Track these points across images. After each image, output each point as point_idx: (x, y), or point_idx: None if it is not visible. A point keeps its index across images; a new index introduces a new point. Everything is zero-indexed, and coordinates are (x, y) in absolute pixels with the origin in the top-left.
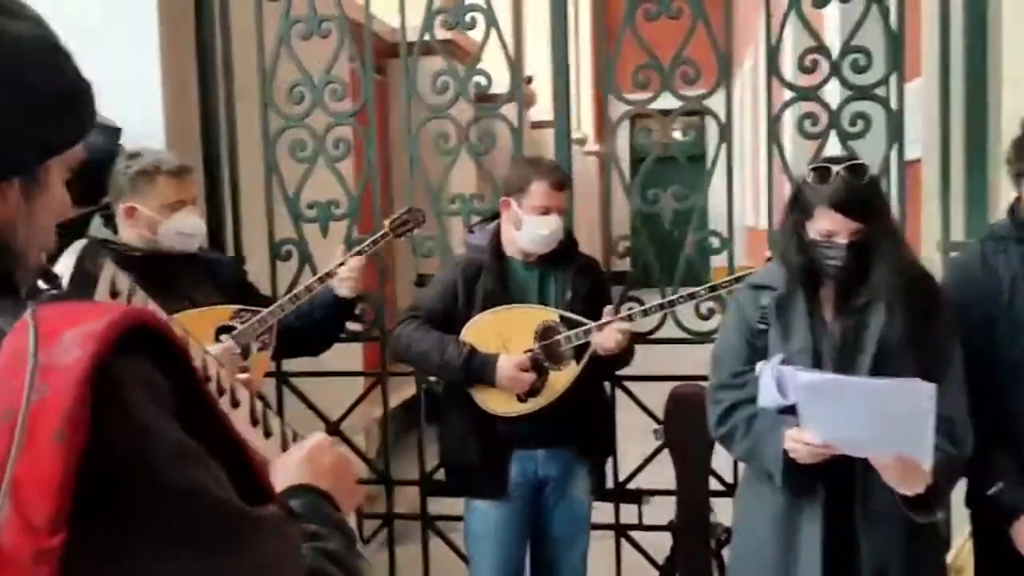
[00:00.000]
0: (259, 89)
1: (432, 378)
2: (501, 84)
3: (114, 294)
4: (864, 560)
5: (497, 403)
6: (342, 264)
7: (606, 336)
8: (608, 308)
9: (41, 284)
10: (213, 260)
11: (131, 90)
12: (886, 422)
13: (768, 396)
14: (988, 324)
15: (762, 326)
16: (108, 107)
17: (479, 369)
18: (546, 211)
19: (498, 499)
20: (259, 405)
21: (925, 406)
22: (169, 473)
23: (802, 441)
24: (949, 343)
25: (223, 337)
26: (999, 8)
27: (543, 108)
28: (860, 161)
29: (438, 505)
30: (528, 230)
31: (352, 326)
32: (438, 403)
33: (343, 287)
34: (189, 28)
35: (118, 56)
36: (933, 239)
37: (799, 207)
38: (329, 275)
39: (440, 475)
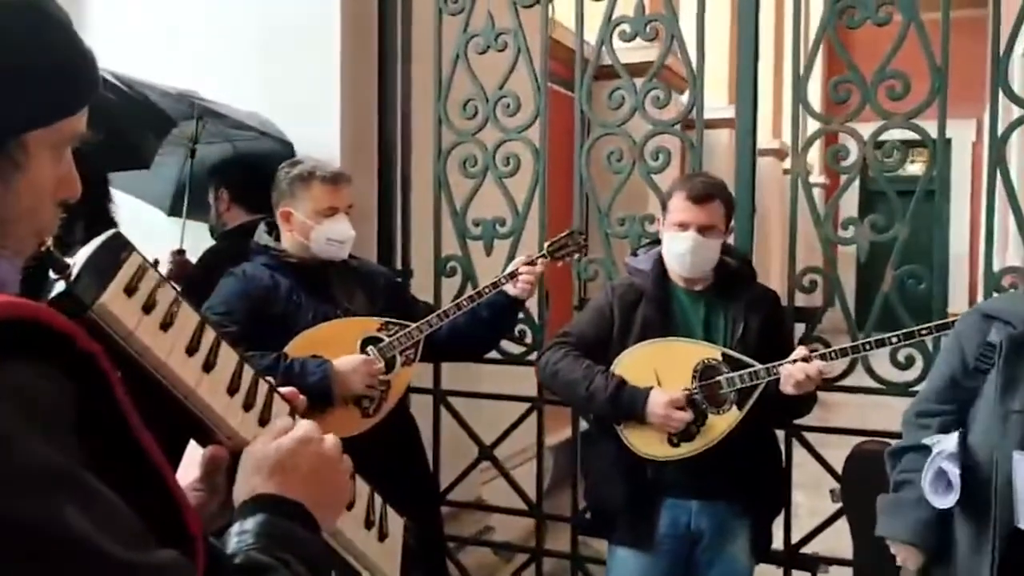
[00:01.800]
0: (433, 103)
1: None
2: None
3: (130, 291)
4: None
5: (646, 444)
6: (495, 284)
7: (797, 369)
8: (802, 349)
9: (51, 274)
10: (367, 270)
11: (311, 104)
12: None
13: (928, 490)
14: None
15: (983, 365)
16: (289, 121)
17: (628, 403)
18: (683, 226)
19: (643, 549)
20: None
21: None
22: (9, 499)
23: None
24: None
25: (369, 349)
26: None
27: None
28: None
29: (600, 547)
30: (667, 247)
31: (512, 348)
32: (589, 438)
33: (515, 286)
34: (371, 44)
35: (300, 71)
36: None
37: None
38: (479, 295)
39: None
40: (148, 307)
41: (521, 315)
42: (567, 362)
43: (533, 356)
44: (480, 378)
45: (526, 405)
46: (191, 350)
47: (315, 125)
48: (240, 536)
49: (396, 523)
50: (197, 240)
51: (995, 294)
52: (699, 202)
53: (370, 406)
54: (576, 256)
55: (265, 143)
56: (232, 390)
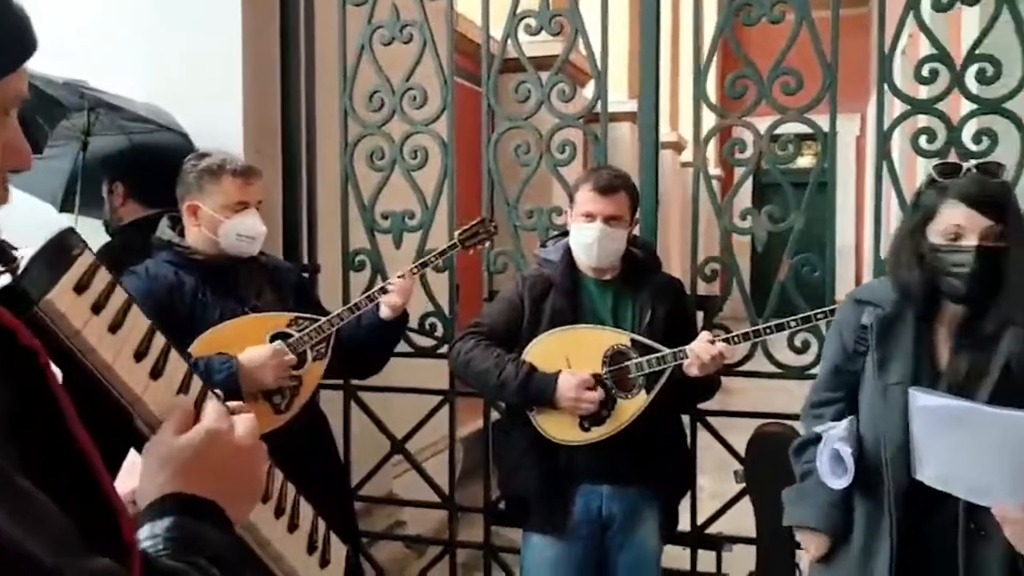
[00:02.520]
0: (339, 95)
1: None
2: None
3: (80, 289)
4: None
5: (558, 430)
6: (370, 297)
7: (702, 350)
8: (706, 334)
9: None
10: (275, 266)
11: (212, 93)
12: (1020, 462)
13: (824, 472)
14: None
15: (859, 347)
16: (187, 112)
17: (539, 388)
18: (590, 217)
19: (558, 534)
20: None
21: None
22: None
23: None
24: None
25: (278, 343)
26: None
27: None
28: (993, 160)
29: (513, 536)
30: (574, 238)
31: (422, 341)
32: (501, 427)
33: (385, 307)
34: (272, 33)
35: (200, 60)
36: None
37: (920, 208)
38: (384, 290)
39: (504, 504)
40: (97, 307)
41: (431, 308)
42: (478, 352)
43: (444, 349)
44: (390, 372)
45: (438, 398)
46: (139, 355)
47: (214, 117)
48: (149, 541)
49: (339, 550)
50: (90, 237)
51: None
52: (605, 193)
53: (282, 402)
54: (487, 243)
55: (163, 136)
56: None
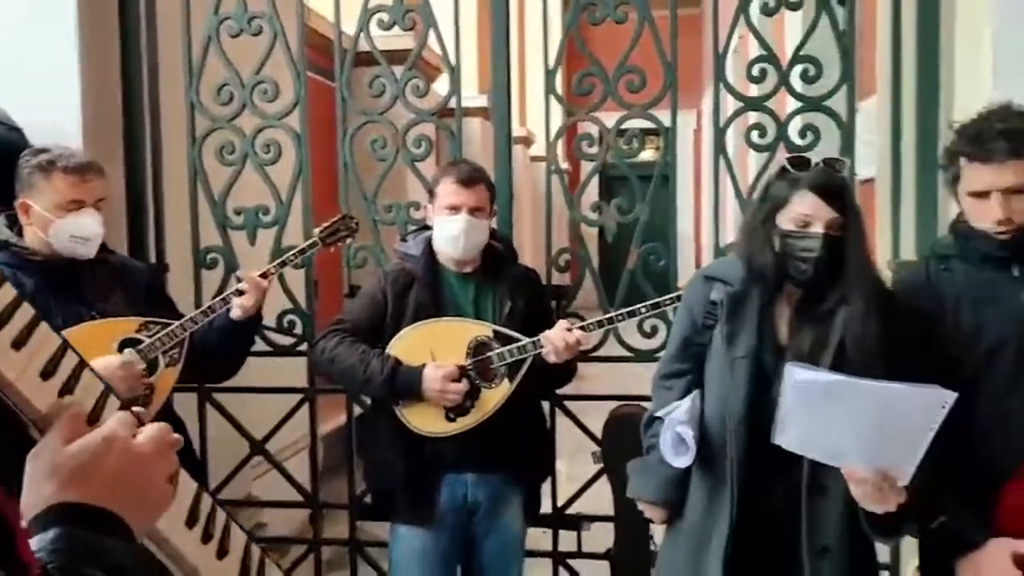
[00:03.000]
0: (185, 88)
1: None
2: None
3: None
4: None
5: (423, 422)
6: (225, 300)
7: (559, 338)
8: (563, 322)
9: None
10: (123, 266)
11: (47, 85)
12: (881, 431)
13: (666, 452)
14: (935, 341)
15: (708, 321)
16: (19, 104)
17: (404, 382)
18: (455, 209)
19: (424, 525)
20: None
21: (935, 416)
22: None
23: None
24: (914, 361)
25: (127, 351)
26: (951, 30)
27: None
28: (838, 158)
29: (378, 531)
30: (438, 231)
31: (281, 340)
32: (366, 422)
33: (236, 308)
34: (111, 21)
35: (34, 49)
36: (884, 258)
37: (771, 198)
38: (239, 292)
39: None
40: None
41: (289, 305)
42: (343, 348)
43: (304, 347)
44: (247, 372)
45: (297, 396)
46: (46, 374)
47: (50, 109)
48: (37, 554)
49: (238, 539)
50: None
51: None
52: (468, 185)
53: None
54: (348, 241)
55: None
56: (92, 420)
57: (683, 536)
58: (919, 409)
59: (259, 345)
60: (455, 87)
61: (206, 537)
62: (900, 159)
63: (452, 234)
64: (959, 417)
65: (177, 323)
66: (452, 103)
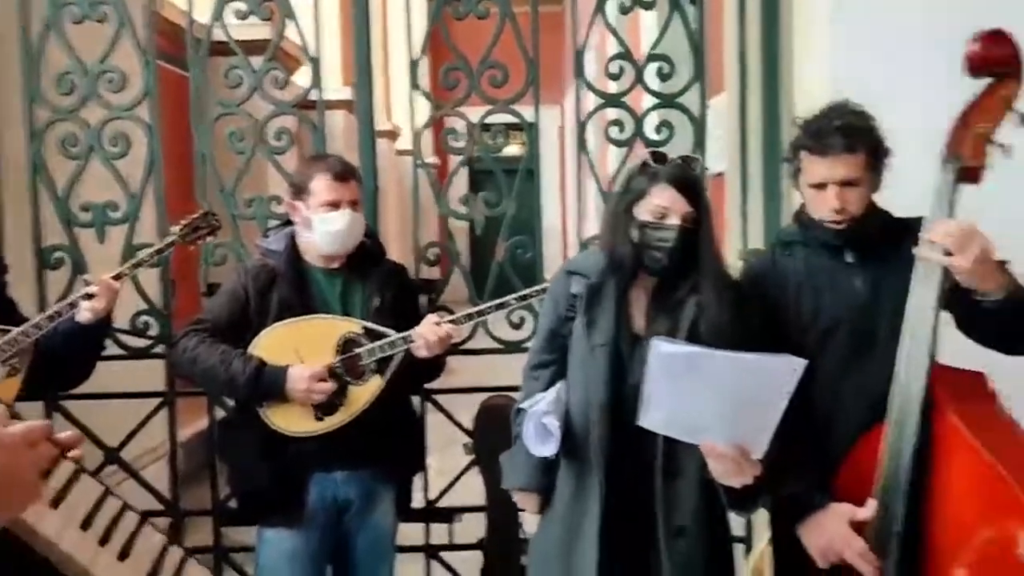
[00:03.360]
0: (23, 77)
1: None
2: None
3: None
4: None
5: (289, 422)
6: (72, 304)
7: (429, 332)
8: (433, 316)
9: None
10: None
11: None
12: (738, 402)
13: (530, 442)
14: (779, 325)
15: (570, 313)
16: None
17: (269, 383)
18: (334, 205)
19: (293, 527)
20: None
21: (785, 385)
22: None
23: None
24: (761, 345)
25: None
26: (791, 30)
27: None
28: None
29: (243, 536)
30: (319, 229)
31: (136, 342)
32: (229, 425)
33: (85, 311)
34: None
35: None
36: (735, 248)
37: (632, 190)
38: (77, 301)
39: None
40: None
41: (144, 306)
42: (203, 349)
43: (161, 348)
44: (99, 377)
45: (155, 401)
46: None
47: None
48: None
49: (151, 542)
50: None
51: None
52: (344, 180)
53: None
54: (209, 238)
55: None
56: None
57: (554, 524)
58: (772, 377)
59: (112, 348)
60: (316, 79)
61: (104, 540)
62: (747, 154)
63: (336, 229)
64: (800, 394)
65: (18, 330)
66: (314, 95)
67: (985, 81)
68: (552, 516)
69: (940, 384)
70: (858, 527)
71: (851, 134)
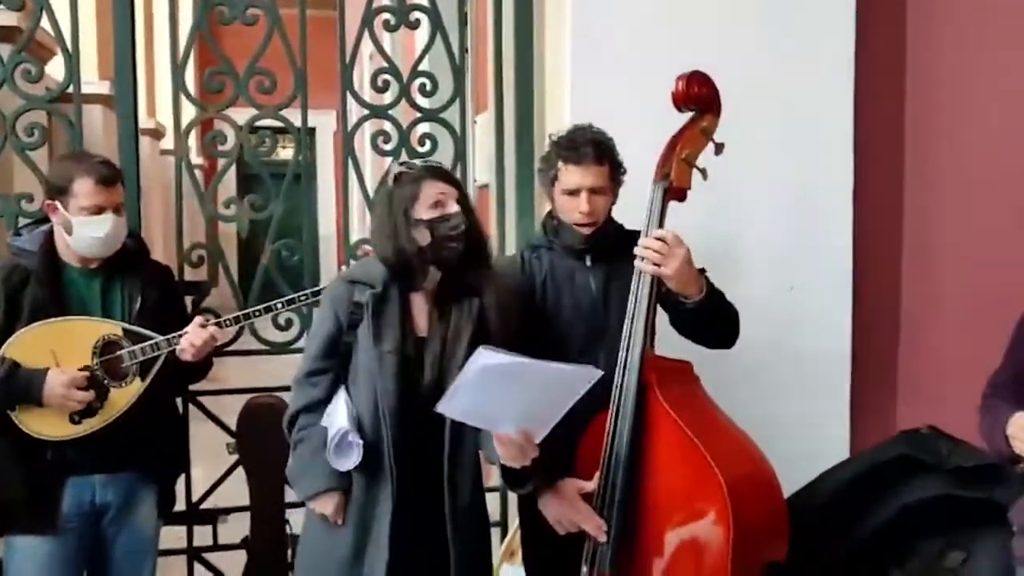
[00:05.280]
0: None
1: None
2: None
3: None
4: (453, 551)
5: (44, 426)
6: None
7: (195, 335)
8: (199, 319)
9: None
10: None
11: None
12: (536, 401)
13: (332, 458)
14: (531, 322)
15: (354, 320)
16: None
17: (22, 387)
18: (99, 210)
19: (47, 533)
20: None
21: (580, 389)
22: None
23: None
24: (521, 340)
25: None
26: (543, 55)
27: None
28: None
29: None
30: (80, 234)
31: None
32: None
33: None
34: None
35: None
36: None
37: (402, 197)
38: None
39: None
40: None
41: None
42: None
43: None
44: None
45: None
46: None
47: None
48: None
49: None
50: None
51: (352, 262)
52: (110, 184)
53: None
54: None
55: None
56: None
57: (338, 529)
58: (572, 383)
59: None
60: (73, 73)
61: None
62: (504, 168)
63: (100, 235)
64: None
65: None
66: (70, 89)
67: (688, 114)
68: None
69: (652, 370)
70: (588, 497)
71: (600, 148)
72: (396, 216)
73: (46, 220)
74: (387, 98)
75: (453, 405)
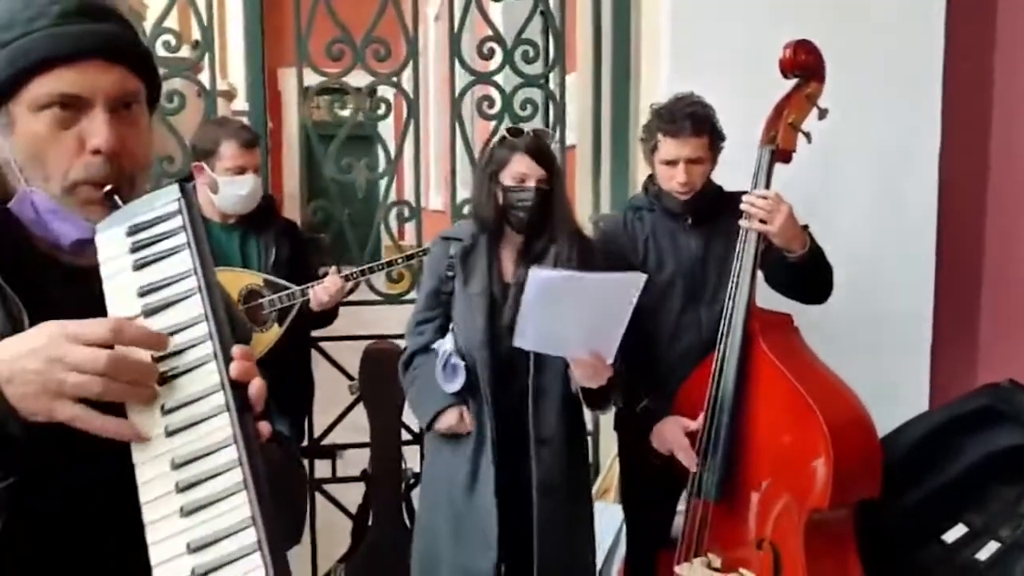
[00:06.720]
0: None
1: None
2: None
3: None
4: (535, 477)
5: None
6: None
7: (330, 285)
8: (334, 272)
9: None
10: None
11: None
12: (596, 315)
13: (440, 379)
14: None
15: (449, 273)
16: None
17: None
18: (241, 170)
19: None
20: None
21: (631, 296)
22: None
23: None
24: None
25: None
26: (639, 15)
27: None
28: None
29: None
30: (226, 192)
31: None
32: None
33: None
34: None
35: None
36: (586, 215)
37: (495, 160)
38: None
39: None
40: None
41: None
42: None
43: None
44: None
45: None
46: None
47: None
48: None
49: None
50: None
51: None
52: (250, 147)
53: None
54: None
55: None
56: None
57: (447, 444)
58: (622, 290)
59: None
60: (208, 42)
61: None
62: (600, 130)
63: (243, 193)
64: (644, 327)
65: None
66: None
67: (793, 81)
68: (443, 448)
69: (756, 321)
70: (691, 436)
71: (698, 120)
72: (485, 177)
73: (188, 180)
74: (491, 65)
75: (526, 335)
